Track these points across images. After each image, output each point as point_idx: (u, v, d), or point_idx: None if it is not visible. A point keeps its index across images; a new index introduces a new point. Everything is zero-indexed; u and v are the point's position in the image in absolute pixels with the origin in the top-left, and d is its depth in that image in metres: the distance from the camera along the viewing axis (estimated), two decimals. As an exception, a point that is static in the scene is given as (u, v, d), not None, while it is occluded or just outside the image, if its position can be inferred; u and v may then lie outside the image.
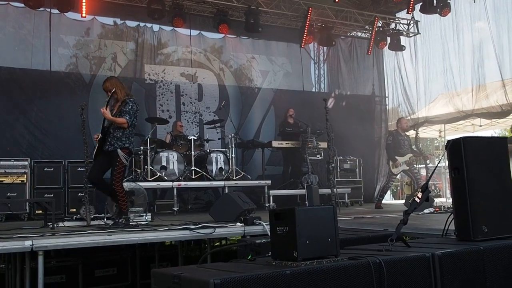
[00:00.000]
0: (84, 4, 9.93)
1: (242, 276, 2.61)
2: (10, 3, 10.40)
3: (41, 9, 10.26)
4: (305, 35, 12.14)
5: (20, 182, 8.38)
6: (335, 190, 7.65)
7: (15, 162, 8.46)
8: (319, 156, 10.45)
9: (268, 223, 3.30)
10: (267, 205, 9.57)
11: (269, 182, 9.88)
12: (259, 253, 3.66)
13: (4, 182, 8.26)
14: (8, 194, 8.31)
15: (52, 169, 8.77)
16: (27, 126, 9.91)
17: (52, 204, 6.54)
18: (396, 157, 9.60)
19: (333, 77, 14.00)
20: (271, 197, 9.68)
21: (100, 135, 6.15)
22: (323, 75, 14.08)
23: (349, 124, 12.29)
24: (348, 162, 11.49)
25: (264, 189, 9.82)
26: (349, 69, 13.92)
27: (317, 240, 2.94)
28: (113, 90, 6.26)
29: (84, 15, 10.17)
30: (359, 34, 14.00)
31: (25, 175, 8.48)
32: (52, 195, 8.18)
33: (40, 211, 7.88)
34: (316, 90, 13.96)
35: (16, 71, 10.10)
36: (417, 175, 9.80)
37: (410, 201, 4.69)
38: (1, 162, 8.37)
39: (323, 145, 10.05)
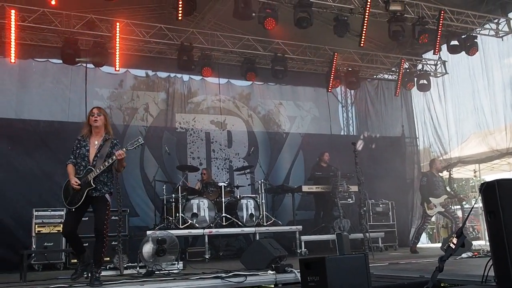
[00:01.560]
0: (117, 58, 10.34)
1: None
2: (49, 60, 10.97)
3: (78, 64, 10.73)
4: (331, 80, 12.27)
5: (56, 231, 8.52)
6: (367, 235, 7.53)
7: (51, 212, 8.67)
8: (350, 200, 10.36)
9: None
10: (298, 251, 9.47)
11: (300, 227, 9.80)
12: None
13: (41, 232, 8.45)
14: (45, 244, 8.49)
15: (87, 218, 8.85)
16: (65, 176, 10.14)
17: (86, 253, 6.68)
18: (431, 198, 9.45)
19: (361, 120, 14.04)
20: (303, 243, 9.59)
21: (79, 181, 5.46)
22: (351, 118, 14.16)
23: (380, 167, 12.21)
24: (381, 205, 11.31)
25: (295, 235, 9.74)
26: (377, 111, 13.94)
27: (350, 289, 2.92)
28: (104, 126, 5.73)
29: (117, 68, 10.58)
30: (385, 76, 14.08)
31: (61, 225, 8.64)
32: (86, 244, 8.25)
33: (75, 260, 7.98)
34: (345, 133, 14.01)
35: (54, 124, 10.50)
36: (455, 215, 9.60)
37: (445, 247, 4.58)
38: (39, 212, 8.61)
39: (354, 188, 9.96)
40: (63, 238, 8.63)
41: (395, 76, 13.34)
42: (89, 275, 5.51)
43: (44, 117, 10.61)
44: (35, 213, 8.63)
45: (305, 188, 10.74)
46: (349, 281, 2.93)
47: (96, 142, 5.62)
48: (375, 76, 14.14)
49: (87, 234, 8.25)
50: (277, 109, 13.21)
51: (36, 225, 8.55)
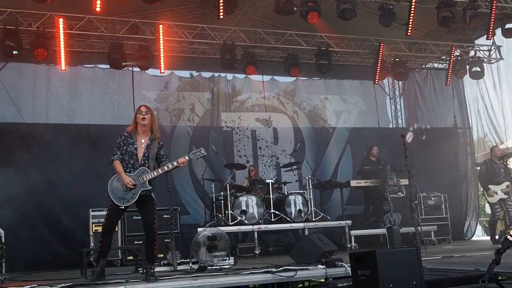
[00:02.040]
0: (162, 60, 10.53)
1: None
2: (97, 65, 11.30)
3: (125, 68, 11.00)
4: (378, 71, 12.01)
5: (112, 230, 8.80)
6: (419, 228, 7.36)
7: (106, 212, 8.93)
8: (400, 193, 10.16)
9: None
10: (348, 245, 9.39)
11: (349, 222, 9.71)
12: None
13: (98, 231, 8.70)
14: (102, 242, 8.77)
15: (140, 217, 9.14)
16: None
17: (142, 251, 6.87)
18: (490, 186, 9.22)
19: (410, 111, 13.73)
20: (353, 238, 9.49)
21: (133, 182, 5.49)
22: (400, 110, 13.86)
23: (431, 159, 11.90)
24: (433, 198, 11.00)
25: (344, 230, 9.66)
26: (427, 102, 13.57)
27: (401, 283, 2.87)
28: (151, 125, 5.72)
29: (162, 71, 10.77)
30: (435, 65, 13.70)
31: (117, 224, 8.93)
32: (141, 242, 8.50)
33: (131, 257, 8.24)
34: (393, 126, 13.72)
35: (105, 127, 10.77)
36: (510, 208, 9.25)
37: (502, 239, 4.42)
38: (95, 212, 8.89)
39: (404, 182, 9.74)
40: (119, 237, 8.94)
41: (445, 64, 12.94)
42: (144, 271, 5.64)
43: (95, 121, 10.94)
44: (92, 213, 8.93)
45: (353, 183, 10.59)
46: (400, 275, 2.88)
47: (143, 141, 5.62)
48: (424, 66, 13.73)
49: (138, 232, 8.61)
50: (322, 104, 13.09)
51: (93, 225, 8.84)
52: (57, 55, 9.95)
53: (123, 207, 5.61)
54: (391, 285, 2.83)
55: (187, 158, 5.63)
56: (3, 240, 6.43)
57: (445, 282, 3.85)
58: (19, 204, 9.43)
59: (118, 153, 5.58)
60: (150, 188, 5.55)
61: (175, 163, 5.52)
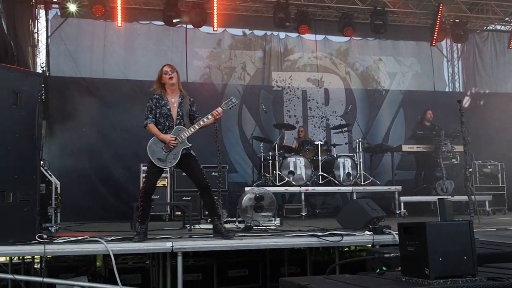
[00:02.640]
0: (215, 18, 10.49)
1: (370, 292, 2.57)
2: (152, 22, 11.40)
3: (178, 26, 11.05)
4: (436, 33, 11.55)
5: (162, 185, 9.01)
6: (473, 197, 7.15)
7: None
8: (454, 160, 9.82)
9: (398, 233, 3.20)
10: (397, 212, 9.26)
11: (399, 187, 9.51)
12: (390, 266, 3.54)
13: None
14: (152, 196, 9.03)
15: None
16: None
17: (189, 207, 7.12)
18: None
19: (468, 75, 13.22)
20: (402, 204, 9.32)
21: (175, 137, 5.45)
22: (457, 73, 13.31)
23: (489, 125, 11.47)
24: (489, 167, 10.57)
25: (394, 195, 9.48)
26: (487, 66, 13.03)
27: (451, 257, 2.79)
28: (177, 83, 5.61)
29: (215, 28, 10.77)
30: (497, 27, 12.99)
31: (166, 179, 9.16)
32: (189, 198, 8.75)
33: (179, 213, 8.47)
34: (450, 90, 13.24)
35: (158, 84, 10.95)
36: None
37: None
38: (146, 167, 8.96)
39: (459, 148, 9.42)
40: (168, 192, 9.19)
41: (508, 26, 12.26)
42: (215, 228, 5.55)
43: (149, 77, 11.04)
44: (143, 168, 8.91)
45: (405, 148, 10.36)
46: (451, 248, 2.80)
47: (174, 100, 5.54)
48: (485, 28, 13.07)
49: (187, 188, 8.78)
50: (376, 65, 12.75)
51: (144, 179, 9.02)
52: (114, 12, 10.15)
53: (164, 168, 5.62)
54: (440, 258, 2.76)
55: (220, 109, 5.49)
56: (59, 191, 6.69)
57: (498, 257, 3.68)
58: (75, 157, 9.78)
59: (151, 116, 5.51)
60: (190, 145, 5.49)
61: (210, 117, 5.40)
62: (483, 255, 3.57)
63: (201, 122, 5.44)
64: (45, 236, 5.11)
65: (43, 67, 10.64)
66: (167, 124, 5.50)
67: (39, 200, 5.20)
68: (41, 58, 10.93)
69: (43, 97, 5.29)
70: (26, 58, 9.38)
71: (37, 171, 5.23)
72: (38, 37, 10.88)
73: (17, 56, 7.39)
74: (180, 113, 5.52)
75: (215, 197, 5.84)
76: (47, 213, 6.31)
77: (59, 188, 6.72)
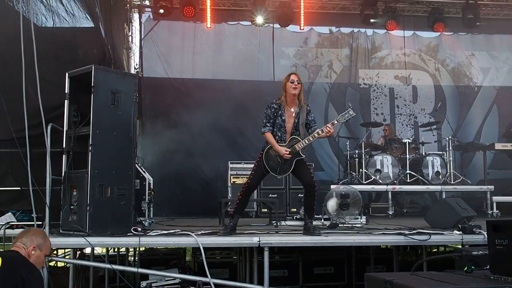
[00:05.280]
0: (302, 17, 10.64)
1: (455, 288, 2.60)
2: (240, 22, 11.73)
3: (265, 25, 11.31)
4: (534, 25, 10.97)
5: (249, 182, 9.28)
6: None
7: (244, 164, 9.34)
8: (553, 159, 9.33)
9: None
10: (489, 212, 8.93)
11: (491, 187, 9.13)
12: (479, 265, 3.52)
13: (236, 182, 9.21)
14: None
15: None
16: (256, 133, 10.96)
17: (276, 204, 7.24)
18: None
19: None
20: (495, 204, 8.96)
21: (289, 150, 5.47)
22: (557, 67, 12.51)
23: None
24: None
25: (486, 195, 9.14)
26: None
27: (543, 257, 2.78)
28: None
29: (302, 27, 10.89)
30: None
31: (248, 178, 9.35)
32: (275, 195, 8.90)
33: (266, 210, 8.66)
34: (549, 85, 12.48)
35: (246, 83, 11.26)
36: None
37: None
38: (234, 165, 9.35)
39: (559, 147, 8.95)
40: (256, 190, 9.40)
41: None
42: (305, 225, 5.62)
43: (237, 76, 11.45)
44: (230, 166, 9.34)
45: (498, 146, 9.93)
46: (542, 248, 2.79)
47: (292, 110, 5.55)
48: None
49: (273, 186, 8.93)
50: (468, 61, 12.31)
51: (231, 176, 9.24)
52: (204, 13, 10.57)
53: (278, 177, 5.71)
54: (530, 257, 2.75)
55: (335, 122, 5.42)
56: (152, 187, 7.01)
57: None
58: (167, 154, 10.00)
59: (269, 125, 5.53)
60: (303, 156, 5.49)
61: (325, 130, 5.32)
62: None
63: (316, 135, 5.41)
64: (139, 229, 5.38)
65: (136, 69, 11.23)
66: (279, 134, 5.54)
67: (134, 195, 5.48)
68: (135, 60, 11.56)
69: (137, 97, 5.60)
70: (122, 60, 9.88)
71: (133, 168, 5.49)
72: (132, 39, 11.49)
73: (114, 58, 7.70)
74: (296, 122, 5.53)
75: (301, 195, 5.97)
76: (141, 207, 6.60)
77: (152, 184, 6.98)
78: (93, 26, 6.74)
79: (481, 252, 3.56)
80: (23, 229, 4.04)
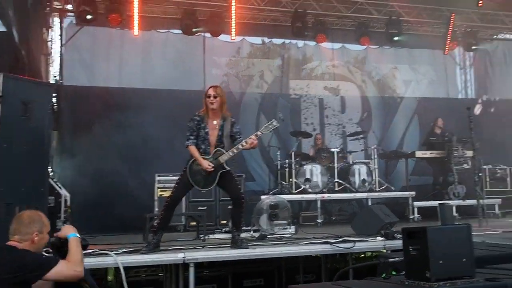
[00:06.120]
0: (233, 27, 10.67)
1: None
2: (170, 30, 11.49)
3: (197, 34, 11.15)
4: (448, 41, 11.79)
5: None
6: (481, 201, 7.27)
7: (172, 177, 8.65)
8: (466, 165, 9.93)
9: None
10: (411, 217, 9.36)
11: (413, 193, 9.60)
12: (399, 270, 3.65)
13: (163, 196, 8.49)
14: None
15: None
16: (184, 143, 10.69)
17: (203, 217, 7.13)
18: None
19: (480, 82, 13.44)
20: (416, 209, 9.42)
21: (212, 165, 5.39)
22: (470, 81, 13.54)
23: (500, 131, 11.53)
24: (498, 171, 10.63)
25: (408, 201, 9.58)
26: (498, 73, 13.22)
27: (451, 260, 2.93)
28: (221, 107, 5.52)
29: (233, 37, 10.91)
30: (507, 36, 13.16)
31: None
32: (205, 208, 8.58)
33: (194, 223, 8.09)
34: (463, 97, 13.39)
35: (175, 92, 10.97)
36: None
37: None
38: (161, 177, 8.92)
39: (470, 153, 9.54)
40: (183, 202, 8.95)
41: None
42: (231, 237, 5.63)
43: (166, 85, 11.03)
44: (157, 178, 8.80)
45: (418, 154, 10.46)
46: (450, 251, 2.94)
47: (215, 122, 5.50)
48: (494, 37, 13.25)
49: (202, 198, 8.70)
50: (392, 73, 12.91)
51: (158, 189, 8.74)
52: (131, 20, 10.09)
53: (203, 191, 5.65)
54: (440, 261, 2.91)
55: (259, 133, 5.46)
56: (68, 203, 6.62)
57: (501, 258, 3.75)
58: (86, 167, 9.52)
59: (192, 138, 5.48)
60: (228, 169, 5.44)
61: (248, 141, 5.33)
62: (486, 257, 3.69)
63: (240, 146, 5.37)
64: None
65: (56, 76, 10.49)
66: (203, 147, 5.48)
67: (46, 213, 4.95)
68: (54, 67, 10.66)
69: (54, 107, 5.23)
70: (39, 68, 9.20)
71: (46, 183, 5.18)
72: (51, 45, 10.60)
73: (29, 65, 7.25)
74: (220, 134, 5.48)
75: (230, 206, 5.84)
76: (56, 226, 6.02)
77: (68, 200, 6.63)
78: (5, 30, 6.27)
79: (397, 258, 3.72)
80: (18, 217, 3.67)
